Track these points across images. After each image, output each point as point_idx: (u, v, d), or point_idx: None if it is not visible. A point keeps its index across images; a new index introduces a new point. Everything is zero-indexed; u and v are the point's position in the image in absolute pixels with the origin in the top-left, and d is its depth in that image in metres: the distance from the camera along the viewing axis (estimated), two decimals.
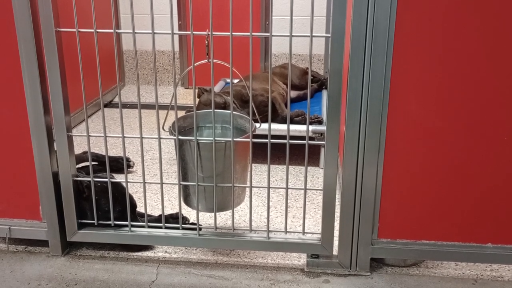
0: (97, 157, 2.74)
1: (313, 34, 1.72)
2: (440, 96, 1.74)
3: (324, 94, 3.48)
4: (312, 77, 3.60)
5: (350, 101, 1.77)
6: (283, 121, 2.90)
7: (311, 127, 2.82)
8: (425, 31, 1.67)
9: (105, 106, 3.97)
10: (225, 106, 2.85)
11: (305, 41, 3.90)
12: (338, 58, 1.71)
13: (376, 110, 1.77)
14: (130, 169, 2.89)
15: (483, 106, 1.73)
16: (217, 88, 3.58)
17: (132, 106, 3.98)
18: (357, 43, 1.71)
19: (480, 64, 1.69)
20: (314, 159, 2.97)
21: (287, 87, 3.33)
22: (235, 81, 3.21)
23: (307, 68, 3.72)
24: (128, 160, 2.86)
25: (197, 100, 2.96)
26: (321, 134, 2.83)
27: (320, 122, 2.91)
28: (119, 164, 2.76)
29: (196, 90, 3.34)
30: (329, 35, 1.69)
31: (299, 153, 2.97)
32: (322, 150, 2.94)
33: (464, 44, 1.67)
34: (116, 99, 4.17)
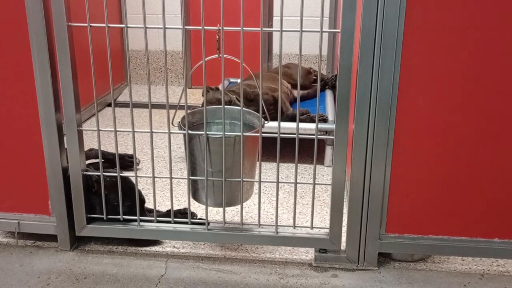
0: (102, 154, 2.74)
1: (323, 30, 1.74)
2: (448, 92, 1.76)
3: (328, 93, 3.50)
4: (315, 77, 3.61)
5: (359, 98, 1.79)
6: (288, 119, 2.92)
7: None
8: (435, 27, 1.69)
9: (109, 105, 4.00)
10: (230, 104, 2.87)
11: (308, 41, 3.91)
12: (348, 54, 1.73)
13: (385, 107, 1.78)
14: (137, 167, 2.90)
15: (491, 102, 1.75)
16: (221, 87, 3.59)
17: (135, 105, 3.98)
18: (366, 39, 1.72)
19: (490, 60, 1.71)
20: (318, 157, 2.97)
21: (291, 86, 3.36)
22: (239, 80, 3.23)
23: (311, 68, 3.74)
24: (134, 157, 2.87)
25: (203, 98, 2.98)
26: (326, 132, 2.85)
27: (324, 121, 2.92)
28: (125, 161, 2.78)
29: (201, 90, 3.34)
30: (339, 30, 1.71)
31: (303, 152, 2.99)
32: (328, 148, 2.96)
33: (473, 40, 1.69)
34: (120, 98, 4.19)
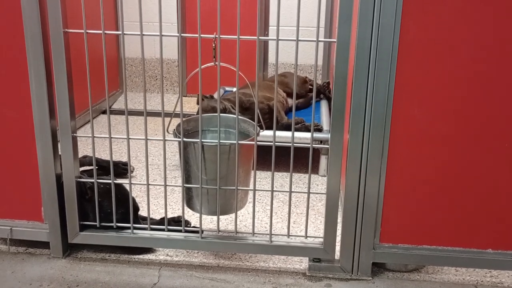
0: (96, 161, 2.73)
1: (319, 39, 1.75)
2: (444, 103, 1.77)
3: (323, 102, 3.51)
4: (311, 86, 3.63)
5: (354, 108, 1.80)
6: (282, 128, 2.92)
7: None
8: (430, 38, 1.70)
9: (104, 112, 3.99)
10: (224, 112, 2.86)
11: (304, 51, 3.93)
12: (344, 64, 1.74)
13: (380, 117, 1.79)
14: (131, 174, 2.89)
15: (487, 113, 1.76)
16: (216, 95, 3.59)
17: (130, 113, 3.97)
18: (362, 50, 1.73)
19: (485, 70, 1.72)
20: (313, 166, 2.97)
21: (286, 95, 3.37)
22: (234, 89, 3.23)
23: (306, 77, 3.76)
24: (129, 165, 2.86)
25: (197, 106, 2.98)
26: (321, 142, 2.86)
27: (319, 130, 2.93)
28: (119, 169, 2.77)
29: (196, 98, 3.34)
30: (335, 40, 1.72)
31: (297, 161, 2.98)
32: (322, 158, 2.96)
33: (468, 51, 1.70)
34: (115, 106, 4.18)
